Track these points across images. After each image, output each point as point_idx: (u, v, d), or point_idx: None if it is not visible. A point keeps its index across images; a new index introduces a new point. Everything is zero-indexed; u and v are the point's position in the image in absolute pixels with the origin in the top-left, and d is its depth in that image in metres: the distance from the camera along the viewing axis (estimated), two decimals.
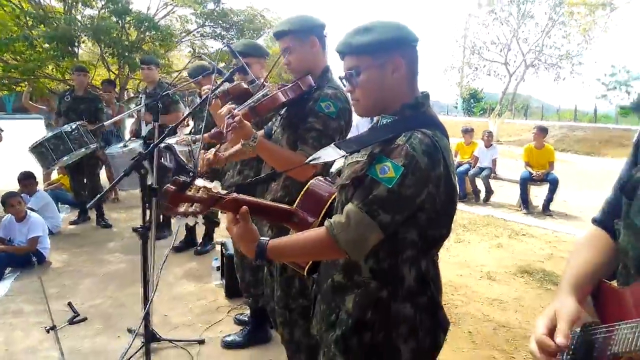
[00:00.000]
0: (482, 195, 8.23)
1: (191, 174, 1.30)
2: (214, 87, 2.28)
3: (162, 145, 2.32)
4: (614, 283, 1.07)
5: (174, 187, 1.28)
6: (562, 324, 0.97)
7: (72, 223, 6.02)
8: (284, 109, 2.36)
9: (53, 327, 2.25)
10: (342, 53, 1.46)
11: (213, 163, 2.52)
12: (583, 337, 0.98)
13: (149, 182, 5.14)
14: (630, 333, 0.87)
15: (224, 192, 1.36)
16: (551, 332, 0.98)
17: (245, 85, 2.78)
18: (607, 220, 1.14)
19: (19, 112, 26.74)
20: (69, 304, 2.32)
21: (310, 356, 2.34)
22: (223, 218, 5.26)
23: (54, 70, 8.09)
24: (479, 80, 24.29)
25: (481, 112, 30.66)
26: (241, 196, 1.39)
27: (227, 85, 2.57)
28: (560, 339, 0.95)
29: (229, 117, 2.03)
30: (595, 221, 1.19)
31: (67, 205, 6.85)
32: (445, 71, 24.88)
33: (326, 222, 1.36)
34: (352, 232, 1.30)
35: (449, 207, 1.39)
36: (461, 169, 8.26)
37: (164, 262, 2.07)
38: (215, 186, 1.36)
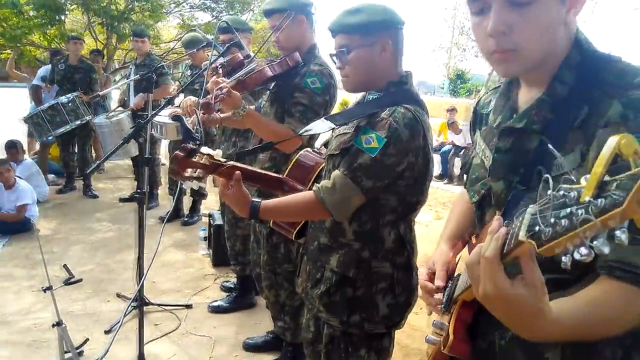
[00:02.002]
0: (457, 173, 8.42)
1: (198, 142, 1.41)
2: (211, 61, 2.36)
3: (173, 116, 2.41)
4: None
5: (182, 153, 1.39)
6: (438, 270, 1.18)
7: (58, 192, 6.05)
8: (272, 84, 2.46)
9: (49, 288, 2.34)
10: (334, 32, 1.57)
11: (206, 122, 2.57)
12: (452, 284, 1.14)
13: (135, 153, 5.24)
14: (461, 279, 1.03)
15: (224, 160, 1.48)
16: (432, 277, 1.19)
17: (241, 57, 2.87)
18: None
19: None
20: (64, 266, 2.42)
21: (294, 316, 2.50)
22: (210, 191, 5.37)
23: (40, 38, 7.99)
24: (466, 61, 24.36)
25: (467, 93, 30.81)
26: (238, 164, 1.51)
27: (224, 58, 2.65)
28: (437, 281, 1.15)
29: (217, 89, 2.12)
30: (464, 185, 1.37)
31: (52, 175, 6.86)
32: (433, 51, 24.88)
33: (314, 186, 1.50)
34: (337, 195, 1.44)
35: (425, 176, 1.53)
36: (445, 149, 8.42)
37: (162, 228, 2.18)
38: (218, 154, 1.47)
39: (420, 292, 1.19)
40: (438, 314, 1.14)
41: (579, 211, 0.54)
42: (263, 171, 1.71)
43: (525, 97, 0.99)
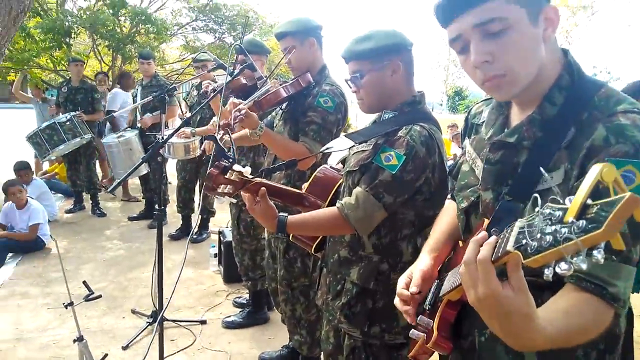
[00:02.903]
0: None
1: (231, 160, 1.49)
2: (224, 83, 2.46)
3: (207, 135, 2.50)
4: None
5: (217, 171, 1.48)
6: (415, 277, 1.17)
7: (68, 212, 6.13)
8: (285, 104, 2.56)
9: (71, 303, 2.41)
10: (347, 59, 1.67)
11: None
12: (437, 284, 1.17)
13: (145, 172, 5.34)
14: (448, 280, 1.08)
15: (252, 176, 1.56)
16: (409, 285, 1.18)
17: (243, 81, 2.98)
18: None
19: (1, 102, 26.50)
20: (84, 282, 2.49)
21: (310, 330, 2.56)
22: (218, 208, 5.45)
23: (47, 61, 8.16)
24: (464, 78, 24.60)
25: (465, 109, 30.96)
26: (264, 180, 1.59)
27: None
28: (412, 288, 1.15)
29: (235, 110, 2.22)
30: (450, 195, 1.42)
31: (60, 195, 6.95)
32: (431, 69, 25.17)
33: (338, 203, 1.58)
34: (361, 211, 1.52)
35: (441, 191, 1.61)
36: (449, 164, 8.47)
37: (187, 245, 2.25)
38: (247, 171, 1.55)
39: (396, 299, 1.19)
40: (411, 321, 1.15)
41: (563, 230, 0.60)
42: (286, 187, 1.79)
43: (517, 113, 1.06)
